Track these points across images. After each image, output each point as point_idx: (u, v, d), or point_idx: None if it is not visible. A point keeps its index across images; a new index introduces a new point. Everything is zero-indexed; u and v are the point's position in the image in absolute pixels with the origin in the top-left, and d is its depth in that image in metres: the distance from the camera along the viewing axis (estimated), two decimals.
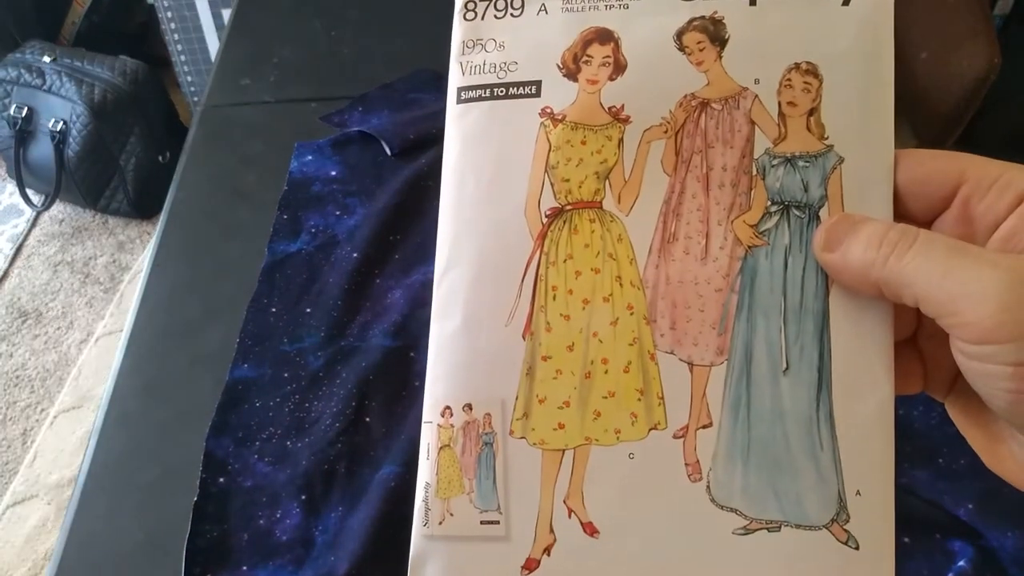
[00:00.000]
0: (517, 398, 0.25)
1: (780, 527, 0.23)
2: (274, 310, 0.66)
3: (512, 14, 0.27)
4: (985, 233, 0.22)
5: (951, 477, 0.52)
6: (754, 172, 0.25)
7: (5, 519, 1.31)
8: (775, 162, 0.25)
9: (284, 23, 0.97)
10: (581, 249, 0.25)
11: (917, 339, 0.26)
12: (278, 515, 0.54)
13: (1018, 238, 0.22)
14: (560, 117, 0.26)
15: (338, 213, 0.73)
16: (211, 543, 0.53)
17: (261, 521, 0.54)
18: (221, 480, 0.56)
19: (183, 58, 1.61)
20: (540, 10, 0.27)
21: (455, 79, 0.27)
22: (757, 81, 0.25)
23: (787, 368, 0.24)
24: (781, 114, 0.25)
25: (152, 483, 0.57)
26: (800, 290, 0.24)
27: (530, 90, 0.26)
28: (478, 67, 0.27)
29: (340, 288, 0.66)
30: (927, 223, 0.24)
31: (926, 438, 0.54)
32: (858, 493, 0.23)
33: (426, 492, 0.25)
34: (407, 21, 0.95)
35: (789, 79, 0.25)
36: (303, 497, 0.55)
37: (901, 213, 0.24)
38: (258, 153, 0.80)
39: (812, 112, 0.25)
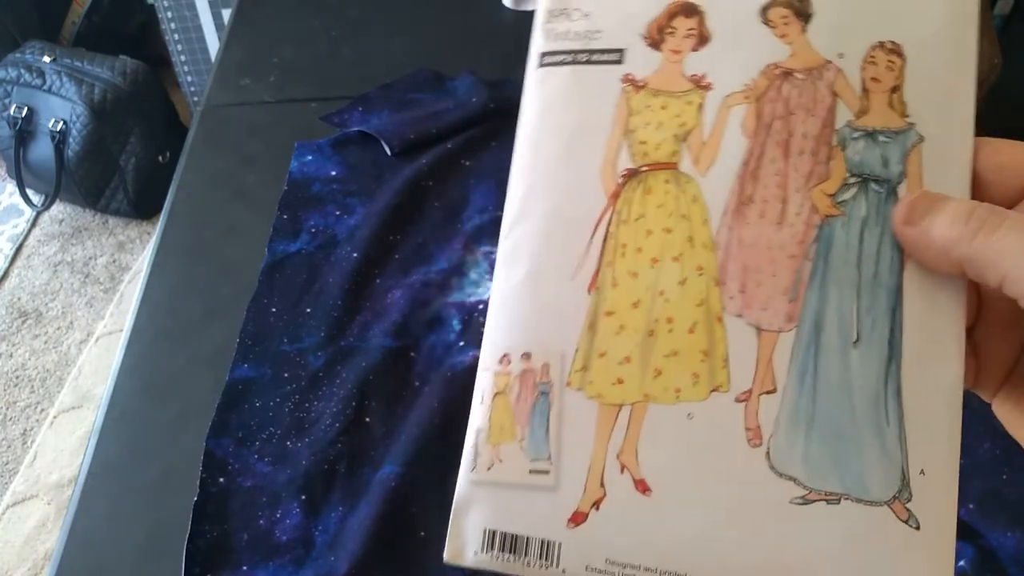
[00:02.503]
0: (578, 350, 0.25)
1: (840, 500, 0.23)
2: (274, 310, 0.66)
3: None
4: None
5: None
6: (834, 143, 0.25)
7: (5, 519, 1.31)
8: (856, 135, 0.25)
9: (284, 23, 0.97)
10: (654, 209, 0.25)
11: (974, 332, 0.25)
12: (278, 515, 0.54)
13: None
14: (642, 83, 0.26)
15: (338, 213, 0.73)
16: (211, 543, 0.53)
17: (261, 521, 0.54)
18: (221, 480, 0.56)
19: (183, 58, 1.61)
20: None
21: (538, 44, 0.27)
22: (841, 55, 0.25)
23: (857, 340, 0.24)
24: (864, 89, 0.25)
25: (152, 483, 0.57)
26: (875, 264, 0.24)
27: (613, 57, 0.27)
28: (562, 34, 0.27)
29: (340, 288, 0.66)
30: None
31: None
32: (922, 472, 0.23)
33: (476, 437, 0.25)
34: (407, 21, 0.95)
35: (873, 56, 0.25)
36: (303, 497, 0.55)
37: (976, 198, 0.24)
38: (258, 153, 0.80)
39: (895, 89, 0.25)
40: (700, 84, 0.26)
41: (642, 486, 0.24)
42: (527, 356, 0.25)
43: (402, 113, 0.82)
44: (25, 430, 1.43)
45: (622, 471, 0.24)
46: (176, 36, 1.58)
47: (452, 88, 0.86)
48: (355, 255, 0.69)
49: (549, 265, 0.25)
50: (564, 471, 0.24)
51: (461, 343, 0.63)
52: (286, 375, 0.62)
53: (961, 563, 0.49)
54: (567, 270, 0.25)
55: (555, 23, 0.27)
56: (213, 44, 1.57)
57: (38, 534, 1.29)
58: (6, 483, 1.36)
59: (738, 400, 0.24)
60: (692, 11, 0.26)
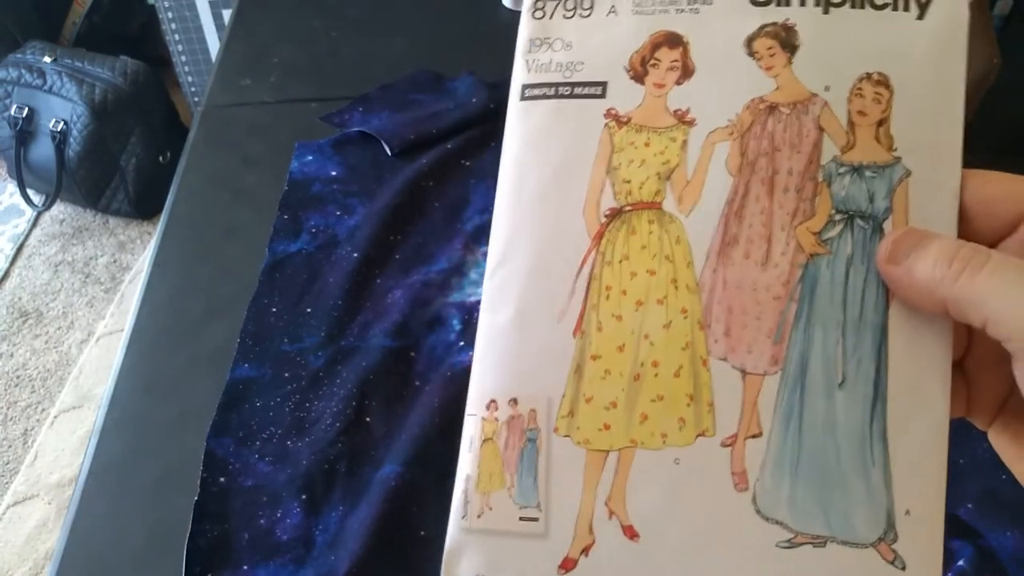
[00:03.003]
0: (564, 396, 0.25)
1: (826, 543, 0.23)
2: (275, 310, 0.66)
3: (581, 14, 0.27)
4: None
5: (951, 477, 0.52)
6: (820, 179, 0.24)
7: (6, 519, 1.31)
8: (842, 170, 0.24)
9: (284, 23, 0.97)
10: (638, 250, 0.25)
11: (965, 362, 0.25)
12: (279, 514, 0.54)
13: None
14: (625, 119, 0.26)
15: (338, 213, 0.73)
16: (212, 542, 0.53)
17: (262, 520, 0.54)
18: (222, 479, 0.56)
19: (183, 58, 1.61)
20: (610, 11, 0.26)
21: (520, 76, 0.27)
22: (827, 88, 0.25)
23: (843, 381, 0.23)
24: (850, 122, 0.24)
25: (153, 483, 0.57)
26: (860, 302, 0.24)
27: (596, 91, 0.26)
28: (544, 65, 0.27)
29: (340, 288, 0.67)
30: (989, 247, 0.23)
31: None
32: (907, 512, 0.23)
33: (466, 484, 0.25)
34: (407, 21, 0.95)
35: (860, 88, 0.24)
36: (304, 497, 0.55)
37: (962, 234, 0.23)
38: (259, 153, 0.80)
39: (882, 123, 0.24)
40: (683, 120, 0.25)
41: (630, 532, 0.24)
42: (514, 402, 0.25)
43: (402, 113, 0.82)
44: (26, 430, 1.43)
45: (610, 517, 0.24)
46: (176, 36, 1.58)
47: (452, 88, 0.86)
48: (355, 255, 0.69)
49: (534, 308, 0.25)
50: (553, 518, 0.24)
51: (461, 343, 0.63)
52: (286, 375, 0.62)
53: (960, 563, 0.49)
54: (552, 313, 0.25)
55: (537, 53, 0.27)
56: (213, 44, 1.57)
57: (39, 534, 1.29)
58: (7, 483, 1.36)
59: (724, 445, 0.24)
60: (676, 42, 0.26)
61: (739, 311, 0.24)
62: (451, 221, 0.72)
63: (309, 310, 0.66)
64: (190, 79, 1.65)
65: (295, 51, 0.92)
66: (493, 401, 0.25)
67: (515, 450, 0.25)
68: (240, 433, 0.58)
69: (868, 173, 0.24)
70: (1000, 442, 0.25)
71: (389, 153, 0.78)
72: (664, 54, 0.26)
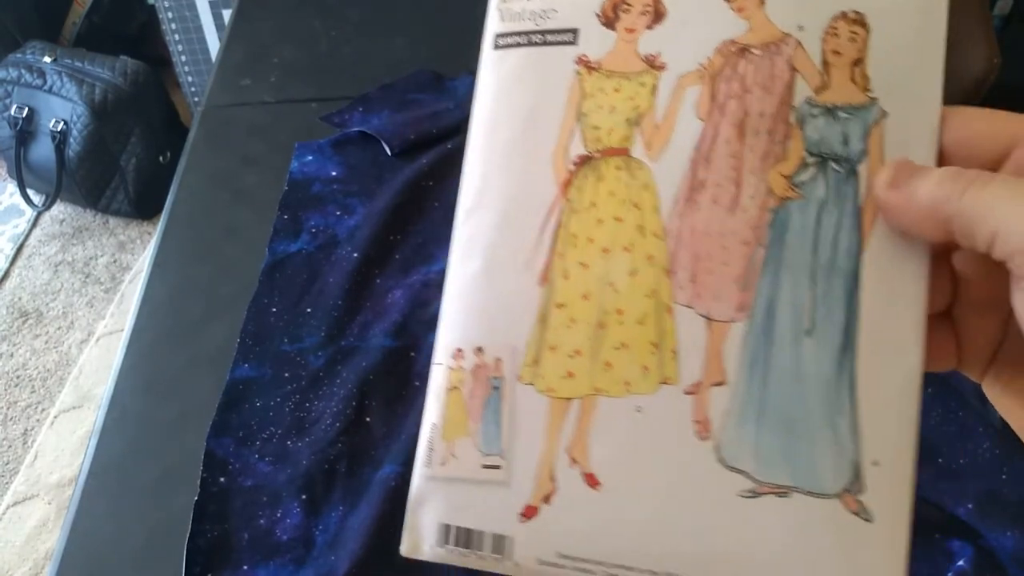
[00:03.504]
0: (529, 344, 0.24)
1: (790, 493, 0.22)
2: (275, 310, 0.66)
3: None
4: None
5: (951, 477, 0.52)
6: (792, 121, 0.24)
7: (6, 519, 1.31)
8: (815, 112, 0.24)
9: (284, 23, 0.97)
10: (605, 197, 0.25)
11: (953, 311, 0.24)
12: (278, 514, 0.54)
13: None
14: (596, 65, 0.26)
15: (338, 213, 0.73)
16: (212, 542, 0.53)
17: (262, 520, 0.54)
18: (222, 480, 0.56)
19: (183, 58, 1.61)
20: None
21: (493, 25, 0.27)
22: (801, 28, 0.24)
23: (811, 329, 0.23)
24: (825, 62, 0.24)
25: (153, 483, 0.57)
26: (832, 248, 0.23)
27: (567, 38, 0.26)
28: (517, 14, 0.27)
29: (340, 288, 0.67)
30: None
31: (926, 438, 0.53)
32: (875, 463, 0.22)
33: (431, 432, 0.25)
34: (407, 21, 0.95)
35: (835, 27, 0.24)
36: (304, 497, 0.55)
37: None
38: (259, 153, 0.80)
39: (857, 63, 0.23)
40: (654, 64, 0.25)
41: (592, 480, 0.24)
42: (480, 351, 0.25)
43: (402, 113, 0.82)
44: (26, 430, 1.43)
45: (572, 465, 0.24)
46: (177, 36, 1.58)
47: (452, 88, 0.86)
48: (355, 255, 0.69)
49: (502, 257, 0.25)
50: (516, 466, 0.24)
51: None
52: (286, 375, 0.62)
53: (961, 563, 0.49)
54: (520, 262, 0.25)
55: (510, 2, 0.27)
56: (214, 44, 1.57)
57: (39, 534, 1.29)
58: (7, 483, 1.36)
59: (687, 392, 0.23)
60: None
61: (705, 257, 0.24)
62: (451, 221, 0.72)
63: (309, 310, 0.66)
64: (190, 79, 1.65)
65: (295, 51, 0.92)
66: (459, 350, 0.25)
67: (479, 399, 0.25)
68: (240, 433, 0.58)
69: (842, 114, 0.23)
70: (994, 393, 0.24)
71: (389, 153, 0.78)
72: None
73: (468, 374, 0.25)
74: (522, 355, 0.24)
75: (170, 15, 1.54)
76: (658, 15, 0.25)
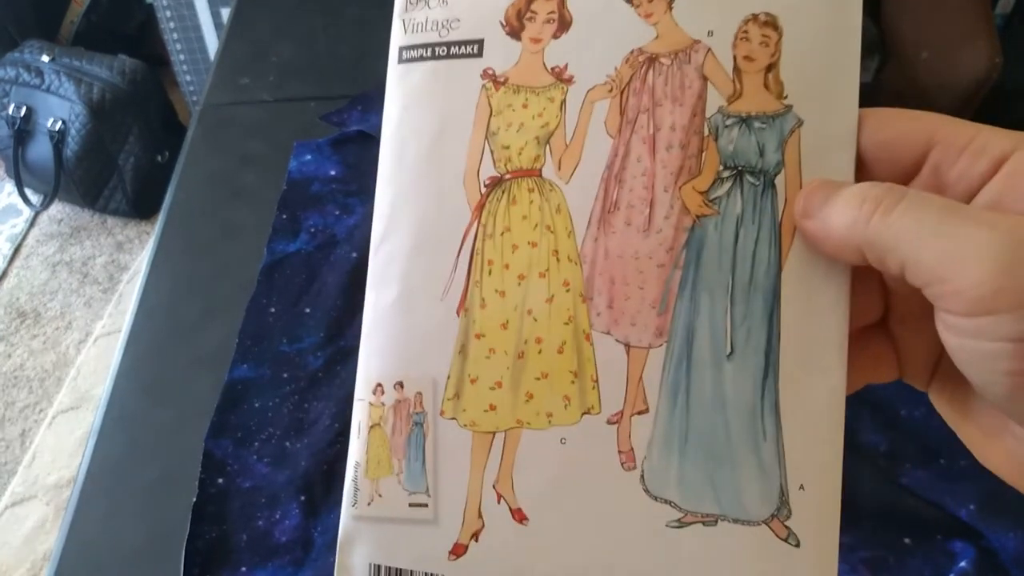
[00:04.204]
0: (449, 377, 0.24)
1: (716, 521, 0.22)
2: (273, 310, 0.66)
3: None
4: (960, 202, 0.20)
5: (952, 478, 0.52)
6: (706, 133, 0.23)
7: (4, 520, 1.31)
8: (729, 122, 0.23)
9: (284, 22, 0.96)
10: (519, 221, 0.24)
11: (888, 323, 0.24)
12: (277, 516, 0.54)
13: (1004, 206, 0.19)
14: (502, 79, 0.24)
15: (337, 213, 0.73)
16: (210, 544, 0.53)
17: (260, 522, 0.54)
18: (220, 481, 0.56)
19: (182, 57, 1.61)
20: None
21: (397, 37, 0.26)
22: (711, 33, 0.23)
23: (731, 352, 0.22)
24: (736, 69, 0.23)
25: (151, 484, 0.57)
26: (751, 265, 0.22)
27: (472, 49, 0.25)
28: (420, 25, 0.25)
29: (339, 288, 0.66)
30: None
31: (927, 438, 0.53)
32: (801, 488, 0.22)
33: (355, 472, 0.24)
34: None
35: (746, 31, 0.23)
36: (302, 498, 0.55)
37: (865, 180, 0.22)
38: (257, 153, 0.80)
39: (770, 68, 0.22)
40: (561, 77, 0.24)
41: (519, 515, 0.23)
42: (400, 385, 0.24)
43: None
44: (24, 431, 1.43)
45: (499, 500, 0.23)
46: (175, 35, 1.57)
47: None
48: (354, 255, 0.69)
49: (417, 286, 0.24)
50: (442, 503, 0.23)
51: None
52: (285, 375, 0.61)
53: (963, 564, 0.49)
54: (436, 291, 0.24)
55: (413, 11, 0.26)
56: (212, 43, 1.57)
57: (37, 535, 1.29)
58: (5, 484, 1.36)
59: (610, 422, 0.23)
60: None
61: (621, 282, 0.23)
62: None
63: (308, 310, 0.66)
64: (188, 78, 1.64)
65: (294, 50, 0.92)
66: (379, 385, 0.24)
67: (402, 435, 0.24)
68: (239, 434, 0.58)
69: (757, 124, 0.22)
70: (939, 403, 0.23)
71: None
72: (540, 6, 0.24)
73: (389, 410, 0.24)
74: (443, 389, 0.24)
75: (168, 14, 1.54)
76: (564, 23, 0.24)
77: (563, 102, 0.24)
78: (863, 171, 0.22)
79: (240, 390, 0.60)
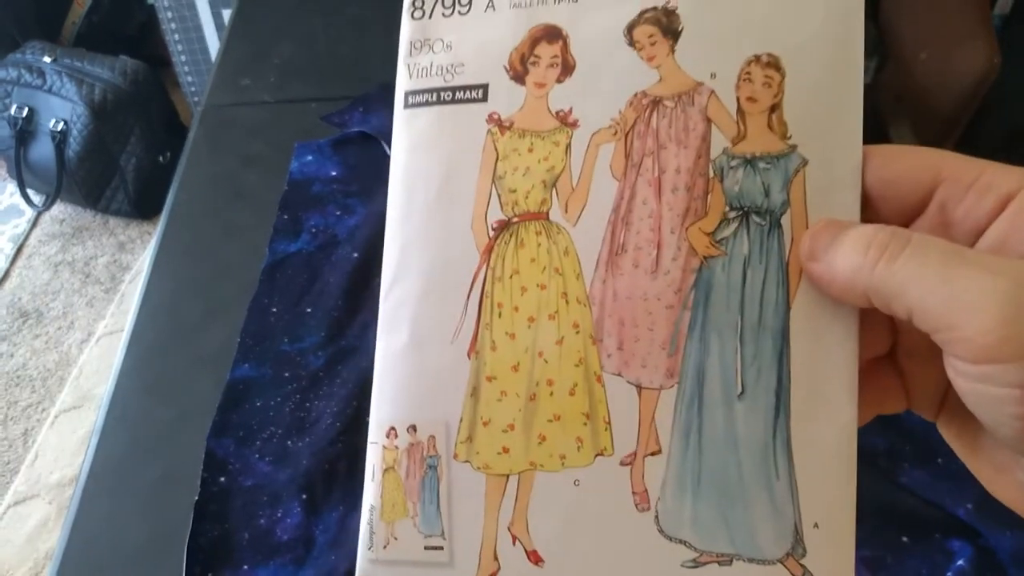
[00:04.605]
0: (461, 420, 0.24)
1: (732, 561, 0.22)
2: (275, 310, 0.66)
3: (460, 11, 0.26)
4: (965, 240, 0.20)
5: (950, 477, 0.52)
6: (711, 174, 0.23)
7: (6, 519, 1.31)
8: (734, 163, 0.23)
9: (284, 23, 0.97)
10: (527, 264, 0.24)
11: (896, 356, 0.24)
12: (279, 514, 0.54)
13: (1010, 245, 0.19)
14: (508, 124, 0.25)
15: (338, 213, 0.73)
16: (212, 542, 0.53)
17: (262, 520, 0.54)
18: (222, 479, 0.56)
19: (183, 58, 1.61)
20: (488, 6, 0.25)
21: (402, 82, 0.26)
22: (714, 75, 0.23)
23: (742, 392, 0.22)
24: (740, 111, 0.23)
25: (153, 483, 0.57)
26: (759, 305, 0.22)
27: (477, 94, 0.25)
28: (425, 69, 0.26)
29: (341, 288, 0.67)
30: None
31: (926, 438, 0.54)
32: (816, 525, 0.22)
33: (371, 515, 0.25)
34: None
35: (748, 72, 0.23)
36: (304, 496, 0.55)
37: (871, 218, 0.22)
38: (258, 153, 0.80)
39: (774, 109, 0.23)
40: (566, 121, 0.24)
41: (535, 557, 0.23)
42: (413, 429, 0.24)
43: None
44: (26, 430, 1.43)
45: (514, 543, 0.23)
46: (176, 36, 1.58)
47: None
48: (355, 255, 0.69)
49: (428, 330, 0.24)
50: (458, 545, 0.24)
51: None
52: (287, 375, 0.62)
53: (960, 562, 0.49)
54: (446, 334, 0.24)
55: (418, 56, 0.26)
56: (213, 44, 1.57)
57: (39, 534, 1.29)
58: (7, 483, 1.36)
59: (623, 464, 0.23)
60: (555, 36, 0.25)
61: (631, 323, 0.23)
62: None
63: (309, 310, 0.66)
64: (190, 79, 1.65)
65: (295, 51, 0.92)
66: (392, 429, 0.25)
67: (416, 478, 0.24)
68: (240, 433, 0.58)
69: (762, 165, 0.23)
70: (949, 435, 0.23)
71: (389, 153, 0.78)
72: (543, 49, 0.25)
73: (403, 453, 0.24)
74: (455, 432, 0.24)
75: (170, 15, 1.54)
76: (567, 68, 0.24)
77: (568, 146, 0.24)
78: (869, 208, 0.22)
79: (242, 389, 0.61)
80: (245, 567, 0.52)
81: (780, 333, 0.22)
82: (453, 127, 0.25)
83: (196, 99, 1.67)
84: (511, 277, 0.24)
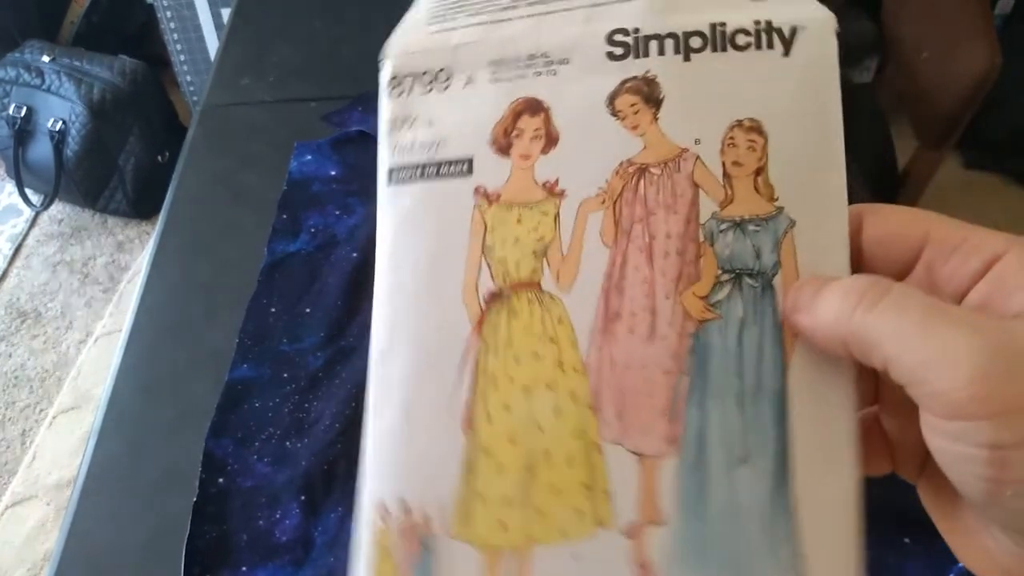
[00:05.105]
0: (458, 497, 0.23)
1: None
2: (274, 310, 0.66)
3: (440, 88, 0.26)
4: (950, 301, 0.20)
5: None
6: (701, 238, 0.23)
7: (4, 520, 1.31)
8: (723, 227, 0.23)
9: (284, 23, 0.97)
10: (521, 333, 0.24)
11: (880, 412, 0.24)
12: (278, 515, 0.54)
13: (992, 306, 0.19)
14: (495, 196, 0.25)
15: (338, 213, 0.73)
16: (210, 544, 0.53)
17: (261, 522, 0.54)
18: (220, 480, 0.56)
19: (182, 58, 1.61)
20: (467, 83, 0.25)
21: (385, 159, 0.26)
22: (698, 141, 0.23)
23: (744, 456, 0.22)
24: (726, 175, 0.23)
25: (151, 484, 0.57)
26: (757, 368, 0.22)
27: (462, 168, 0.25)
28: (407, 146, 0.26)
29: (340, 288, 0.66)
30: None
31: None
32: None
33: None
34: None
35: (732, 137, 0.23)
36: (303, 497, 0.55)
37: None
38: (258, 153, 0.80)
39: (759, 172, 0.23)
40: (553, 192, 0.24)
41: None
42: (407, 507, 0.24)
43: None
44: (24, 430, 1.43)
45: None
46: (175, 36, 1.58)
47: None
48: (355, 255, 0.69)
49: (420, 405, 0.24)
50: None
51: None
52: (286, 375, 0.61)
53: (962, 563, 0.49)
54: (440, 408, 0.24)
55: (400, 134, 0.26)
56: (212, 44, 1.57)
57: (37, 535, 1.29)
58: (5, 483, 1.36)
59: (625, 535, 0.23)
60: (537, 108, 0.25)
61: (630, 391, 0.23)
62: None
63: (308, 310, 0.66)
64: (189, 78, 1.65)
65: (294, 50, 0.92)
66: (385, 507, 0.24)
67: (411, 560, 0.23)
68: (239, 434, 0.58)
69: (751, 227, 0.23)
70: (926, 498, 0.23)
71: None
72: (526, 122, 0.25)
73: (397, 535, 0.24)
74: (451, 510, 0.23)
75: (169, 14, 1.54)
76: (551, 139, 0.24)
77: (557, 215, 0.24)
78: (860, 268, 0.22)
79: (240, 390, 0.60)
80: (244, 568, 0.52)
81: (778, 394, 0.22)
82: (440, 202, 0.25)
83: (195, 99, 1.67)
84: (505, 347, 0.24)
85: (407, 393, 0.24)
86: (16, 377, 1.51)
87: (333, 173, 0.76)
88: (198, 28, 1.56)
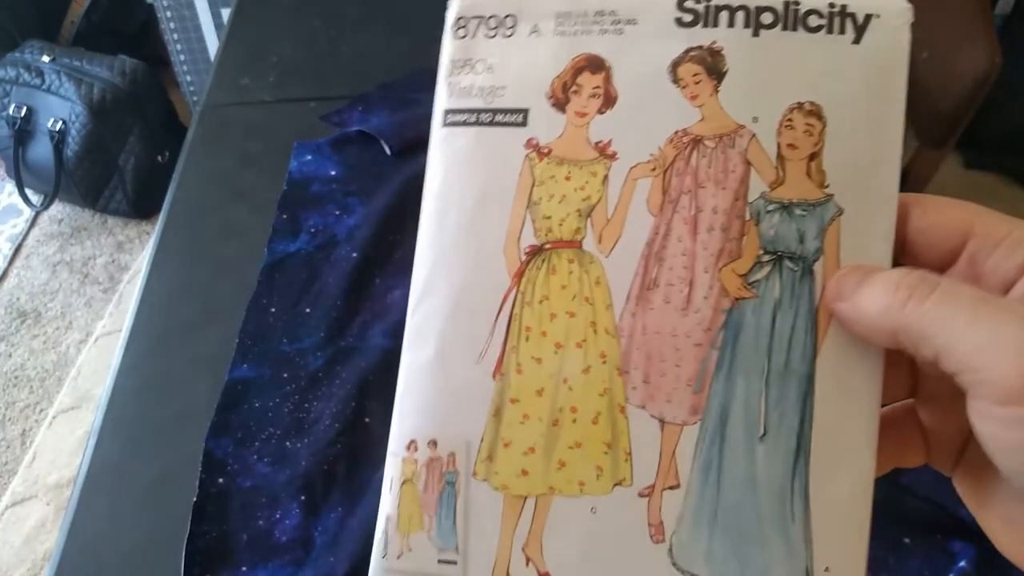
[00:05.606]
0: (483, 439, 0.24)
1: None
2: (274, 310, 0.66)
3: (504, 34, 0.26)
4: (993, 292, 0.21)
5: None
6: (747, 217, 0.23)
7: (4, 520, 1.31)
8: (770, 208, 0.23)
9: (284, 23, 0.96)
10: (558, 290, 0.24)
11: (917, 403, 0.24)
12: (277, 516, 0.54)
13: None
14: (546, 151, 0.25)
15: (338, 213, 0.73)
16: (210, 544, 0.53)
17: (260, 522, 0.54)
18: (220, 480, 0.56)
19: (182, 58, 1.61)
20: (532, 31, 0.25)
21: (442, 100, 0.26)
22: (755, 119, 0.23)
23: (764, 434, 0.23)
24: (780, 156, 0.23)
25: (151, 483, 0.57)
26: (787, 350, 0.23)
27: (517, 118, 0.25)
28: (466, 89, 0.26)
29: (340, 288, 0.66)
30: None
31: None
32: (827, 570, 0.22)
33: (386, 524, 0.25)
34: (407, 21, 0.95)
35: (790, 119, 0.23)
36: (303, 498, 0.55)
37: (902, 265, 0.22)
38: (257, 153, 0.80)
39: (813, 157, 0.23)
40: (605, 153, 0.24)
41: None
42: (433, 444, 0.24)
43: (401, 113, 0.82)
44: (24, 430, 1.43)
45: (527, 564, 0.23)
46: (175, 35, 1.57)
47: None
48: (355, 255, 0.69)
49: (454, 348, 0.25)
50: (471, 562, 0.24)
51: None
52: (285, 375, 0.61)
53: (962, 563, 0.49)
54: (472, 353, 0.24)
55: (459, 76, 0.26)
56: (212, 44, 1.57)
57: (37, 535, 1.29)
58: (5, 483, 1.36)
59: (641, 495, 0.23)
60: (599, 67, 0.25)
61: (658, 358, 0.24)
62: None
63: (308, 310, 0.66)
64: (189, 78, 1.65)
65: (294, 50, 0.92)
66: (413, 442, 0.25)
67: (434, 493, 0.24)
68: (239, 434, 0.58)
69: (798, 211, 0.23)
70: (963, 488, 0.23)
71: (388, 153, 0.78)
72: (586, 79, 0.25)
73: (422, 467, 0.24)
74: (476, 450, 0.24)
75: (169, 14, 1.54)
76: (609, 99, 0.24)
77: (606, 177, 0.24)
78: (904, 257, 0.23)
79: (240, 390, 0.60)
80: (243, 568, 0.52)
81: (806, 378, 0.23)
82: (491, 149, 0.25)
83: (195, 99, 1.67)
84: (540, 302, 0.24)
85: (442, 334, 0.25)
86: (16, 377, 1.51)
87: (333, 173, 0.76)
88: (198, 28, 1.56)
